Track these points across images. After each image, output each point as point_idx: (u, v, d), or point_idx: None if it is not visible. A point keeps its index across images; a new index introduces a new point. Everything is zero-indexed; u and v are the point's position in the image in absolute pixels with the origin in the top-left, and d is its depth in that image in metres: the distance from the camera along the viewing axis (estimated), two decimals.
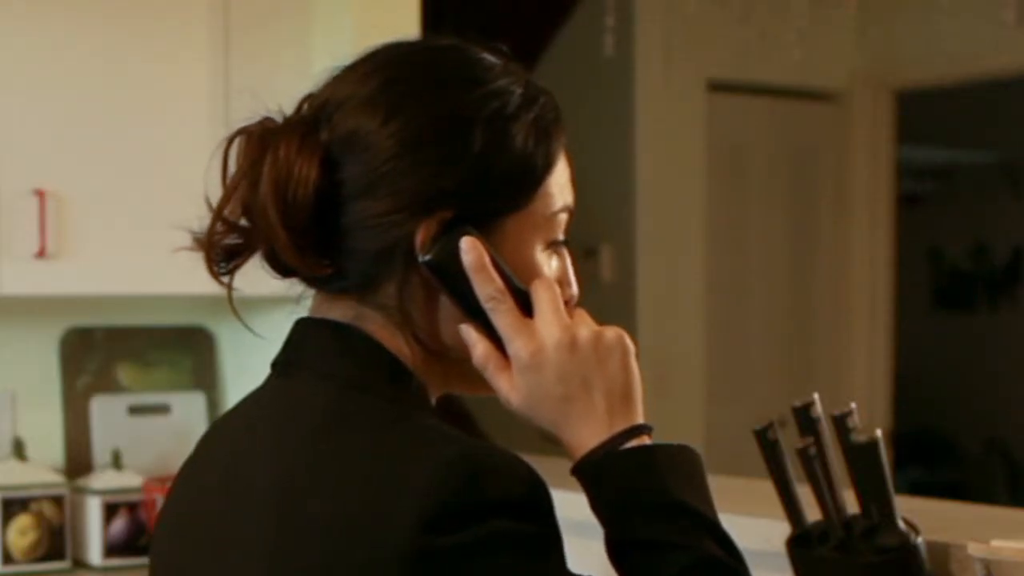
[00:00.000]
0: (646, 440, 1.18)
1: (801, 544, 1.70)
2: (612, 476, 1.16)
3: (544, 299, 1.15)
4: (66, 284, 3.00)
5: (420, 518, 1.01)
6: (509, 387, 1.15)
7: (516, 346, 1.14)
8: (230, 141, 1.15)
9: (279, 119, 1.16)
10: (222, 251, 1.17)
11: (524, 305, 1.16)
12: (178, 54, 3.09)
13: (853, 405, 1.61)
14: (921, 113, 5.88)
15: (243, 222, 1.15)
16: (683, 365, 5.06)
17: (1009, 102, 6.65)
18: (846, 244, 5.49)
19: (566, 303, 1.20)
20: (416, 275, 1.14)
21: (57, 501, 3.03)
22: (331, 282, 1.16)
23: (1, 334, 3.20)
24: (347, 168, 1.13)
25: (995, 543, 1.56)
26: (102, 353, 3.30)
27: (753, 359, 5.31)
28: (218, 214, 1.15)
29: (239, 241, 1.16)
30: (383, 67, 1.17)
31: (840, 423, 1.60)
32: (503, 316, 1.14)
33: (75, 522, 3.06)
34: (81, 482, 3.10)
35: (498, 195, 1.15)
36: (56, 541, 3.02)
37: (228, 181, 1.14)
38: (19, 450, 3.06)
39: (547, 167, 1.17)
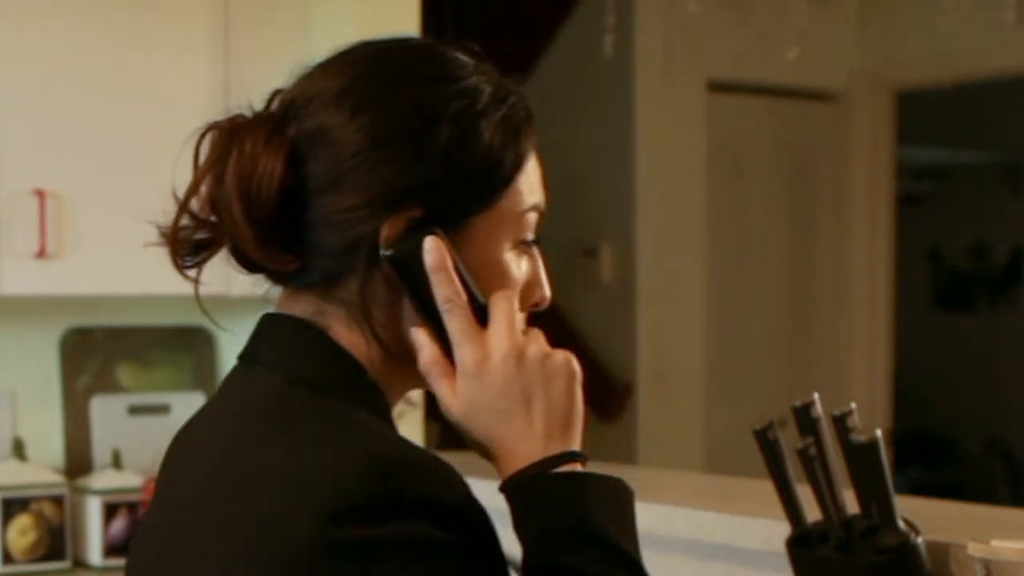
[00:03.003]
0: (579, 468, 1.14)
1: (801, 544, 1.70)
2: (538, 498, 1.13)
3: (500, 310, 1.14)
4: (66, 284, 3.00)
5: (326, 510, 1.01)
6: (450, 394, 1.14)
7: (463, 352, 1.13)
8: (202, 135, 1.16)
9: (250, 114, 1.16)
10: (189, 245, 1.18)
11: (481, 317, 1.15)
12: (178, 54, 3.09)
13: (853, 405, 1.61)
14: (921, 113, 5.87)
15: (211, 217, 1.15)
16: (683, 365, 5.06)
17: (1009, 102, 6.65)
18: (846, 244, 5.50)
19: (536, 304, 1.21)
20: (379, 272, 1.13)
21: (57, 501, 3.03)
22: (296, 278, 1.16)
23: (1, 334, 3.20)
24: (313, 163, 1.13)
25: (995, 543, 1.56)
26: (102, 353, 3.30)
27: (753, 359, 5.31)
28: (183, 207, 1.16)
29: (205, 236, 1.17)
30: (352, 64, 1.17)
31: (840, 423, 1.60)
32: (456, 320, 1.13)
33: (75, 522, 3.06)
34: (81, 482, 3.10)
35: (466, 193, 1.14)
36: (56, 541, 3.02)
37: (197, 173, 1.15)
38: (19, 450, 3.06)
39: (516, 166, 1.17)
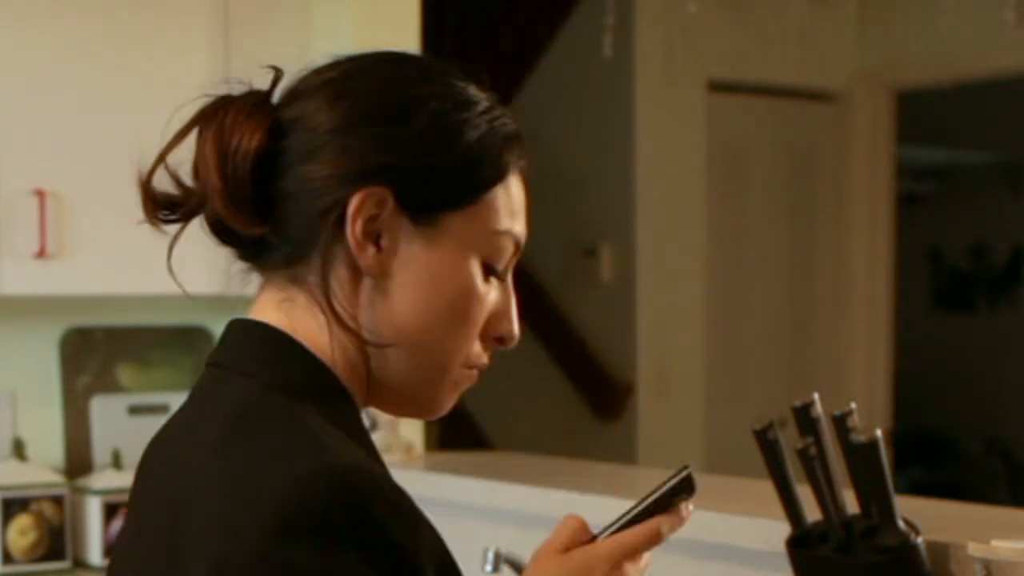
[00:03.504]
0: None
1: (801, 544, 1.70)
2: None
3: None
4: (66, 284, 3.00)
5: (268, 524, 1.01)
6: None
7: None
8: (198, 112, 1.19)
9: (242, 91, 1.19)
10: (162, 199, 1.19)
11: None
12: (178, 53, 3.09)
13: (853, 405, 1.61)
14: (921, 113, 5.87)
15: (190, 182, 1.17)
16: (683, 365, 5.06)
17: (1009, 102, 6.65)
18: (846, 244, 5.50)
19: (501, 340, 1.21)
20: (341, 249, 1.14)
21: (57, 501, 3.03)
22: (265, 252, 1.17)
23: (1, 334, 3.20)
24: (292, 136, 1.15)
25: (995, 543, 1.56)
26: (102, 353, 3.30)
27: (753, 359, 5.31)
28: (161, 157, 1.18)
29: (179, 195, 1.18)
30: (349, 61, 1.20)
31: (840, 423, 1.60)
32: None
33: (75, 522, 3.06)
34: (81, 482, 3.10)
35: (437, 185, 1.15)
36: (56, 541, 3.02)
37: (173, 137, 1.18)
38: (19, 450, 3.06)
39: (496, 176, 1.17)
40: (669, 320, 5.03)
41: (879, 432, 1.59)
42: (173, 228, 1.23)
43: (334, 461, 1.05)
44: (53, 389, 3.25)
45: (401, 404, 1.21)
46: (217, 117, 1.15)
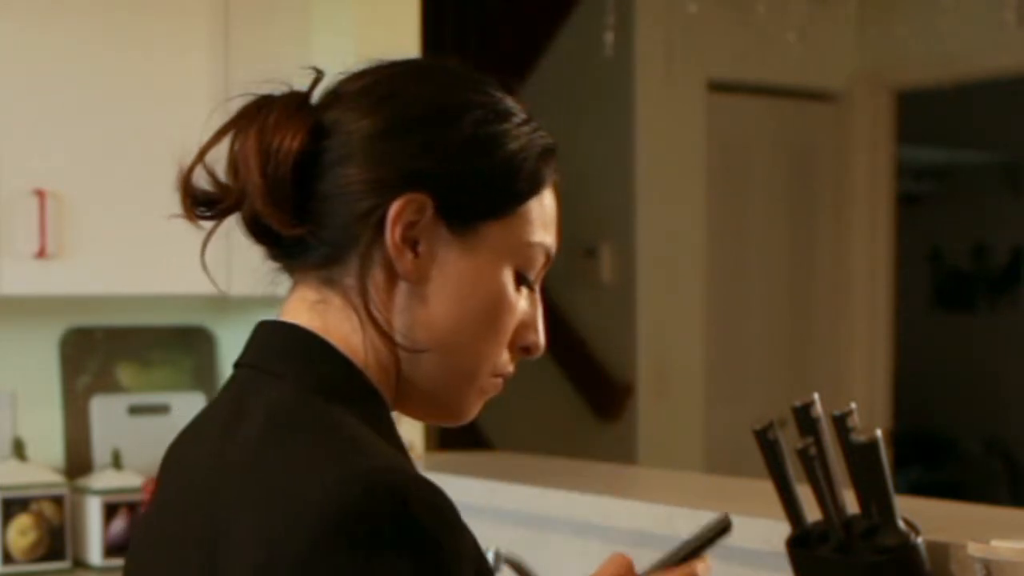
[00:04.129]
0: None
1: (801, 544, 1.70)
2: None
3: None
4: (66, 284, 3.00)
5: (316, 530, 1.01)
6: None
7: None
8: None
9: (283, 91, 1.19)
10: (201, 195, 1.18)
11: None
12: (178, 54, 3.09)
13: (853, 405, 1.61)
14: (921, 113, 5.87)
15: (228, 180, 1.17)
16: (683, 365, 5.06)
17: (1009, 102, 6.65)
18: (846, 244, 5.50)
19: (527, 349, 1.22)
20: (379, 253, 1.14)
21: (57, 501, 3.03)
22: (301, 253, 1.17)
23: (1, 334, 3.20)
24: (333, 138, 1.15)
25: (995, 543, 1.56)
26: (102, 353, 3.30)
27: (753, 359, 5.31)
28: (202, 154, 1.18)
29: (217, 192, 1.17)
30: (392, 65, 1.21)
31: (840, 423, 1.60)
32: None
33: (75, 522, 3.06)
34: (81, 482, 3.10)
35: (476, 194, 1.16)
36: (56, 541, 3.02)
37: (214, 133, 1.18)
38: (19, 450, 3.06)
39: (532, 189, 1.19)
40: (669, 320, 5.03)
41: (879, 432, 1.59)
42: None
43: (376, 464, 1.05)
44: (53, 389, 3.25)
45: (428, 408, 1.21)
46: (259, 116, 1.15)
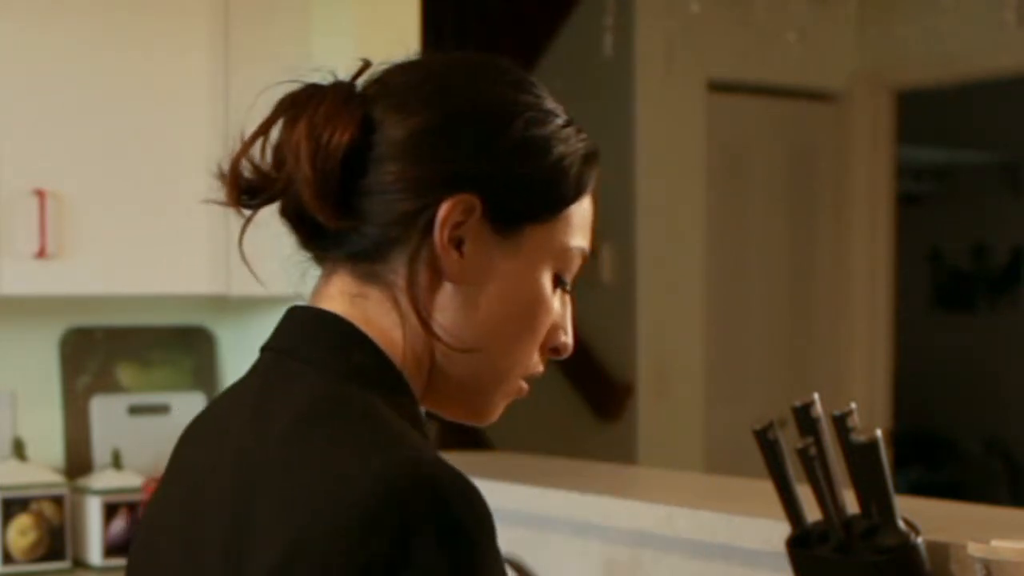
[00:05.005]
0: None
1: (801, 544, 1.70)
2: None
3: None
4: (66, 284, 3.00)
5: (353, 518, 1.01)
6: None
7: None
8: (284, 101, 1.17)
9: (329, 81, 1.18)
10: (245, 184, 1.17)
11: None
12: (178, 54, 3.09)
13: (853, 405, 1.61)
14: (921, 113, 5.87)
15: (271, 169, 1.16)
16: (683, 365, 5.06)
17: (1009, 102, 6.65)
18: (846, 244, 5.50)
19: (557, 350, 1.24)
20: (425, 251, 1.14)
21: (57, 501, 3.03)
22: (338, 245, 1.16)
23: (1, 334, 3.20)
24: (384, 131, 1.14)
25: (995, 543, 1.56)
26: (102, 353, 3.30)
27: (753, 359, 5.31)
28: (250, 142, 1.16)
29: (259, 180, 1.16)
30: (440, 61, 1.21)
31: (840, 423, 1.60)
32: None
33: (75, 522, 3.06)
34: (81, 482, 3.10)
35: (523, 197, 1.16)
36: (56, 541, 3.02)
37: (264, 121, 1.16)
38: (19, 450, 3.06)
39: (577, 192, 1.19)
40: (669, 320, 5.03)
41: (879, 432, 1.59)
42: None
43: (418, 457, 1.05)
44: (53, 389, 3.25)
45: (456, 407, 1.21)
46: (309, 107, 1.14)
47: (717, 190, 5.15)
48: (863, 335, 5.51)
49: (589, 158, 1.20)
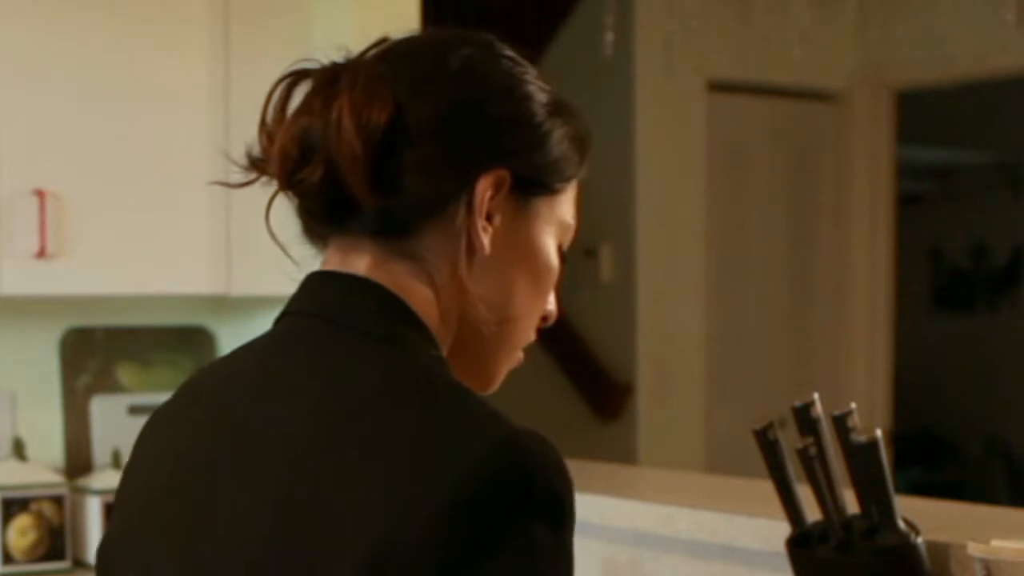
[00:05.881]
0: None
1: (801, 544, 1.70)
2: None
3: None
4: (66, 284, 3.00)
5: (457, 503, 1.00)
6: None
7: None
8: (298, 76, 1.18)
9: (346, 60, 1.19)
10: (292, 165, 1.16)
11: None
12: (178, 53, 3.09)
13: (853, 405, 1.61)
14: (921, 113, 5.88)
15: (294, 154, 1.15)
16: (683, 365, 5.06)
17: (1009, 102, 6.66)
18: (846, 244, 5.50)
19: (545, 319, 1.28)
20: (463, 225, 1.16)
21: (57, 501, 3.03)
22: (367, 222, 1.16)
23: (1, 334, 3.20)
24: (413, 110, 1.15)
25: (995, 543, 1.56)
26: (102, 353, 3.31)
27: (753, 359, 5.31)
28: (295, 121, 1.15)
29: (292, 166, 1.16)
30: (443, 36, 1.24)
31: (840, 423, 1.60)
32: None
33: (75, 522, 3.06)
34: (81, 482, 3.10)
35: (542, 171, 1.20)
36: (56, 541, 3.02)
37: (297, 108, 1.16)
38: (19, 450, 3.06)
39: (579, 170, 1.24)
40: (669, 320, 5.03)
41: (879, 432, 1.59)
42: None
43: (511, 429, 1.06)
44: (53, 389, 3.25)
45: (468, 377, 1.19)
46: (345, 87, 1.15)
47: (717, 190, 5.15)
48: (863, 335, 5.51)
49: (585, 139, 1.25)
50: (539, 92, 1.21)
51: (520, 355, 1.26)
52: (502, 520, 1.01)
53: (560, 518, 1.04)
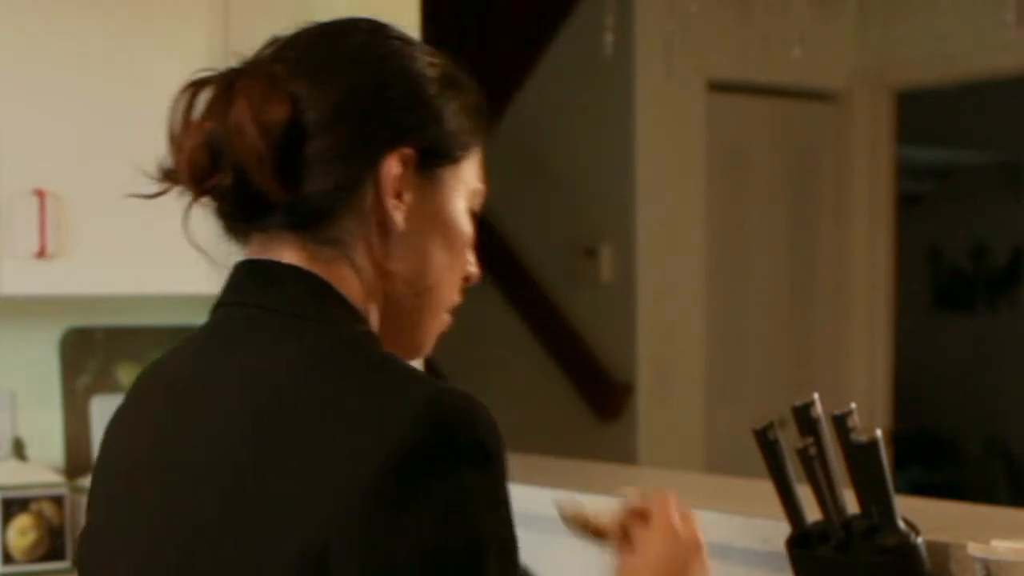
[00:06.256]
0: None
1: (801, 544, 1.70)
2: None
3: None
4: (66, 284, 3.00)
5: (394, 453, 1.07)
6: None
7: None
8: (198, 85, 1.25)
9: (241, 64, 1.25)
10: (201, 173, 1.21)
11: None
12: (177, 53, 3.09)
13: (853, 405, 1.61)
14: (921, 113, 5.87)
15: (203, 162, 1.21)
16: (683, 365, 5.06)
17: (1009, 102, 6.65)
18: (846, 244, 5.50)
19: (467, 279, 1.32)
20: (375, 206, 1.21)
21: (57, 501, 3.03)
22: (281, 215, 1.21)
23: (1, 334, 3.20)
24: (313, 102, 1.20)
25: (995, 543, 1.56)
26: (102, 353, 3.30)
27: (753, 359, 5.31)
28: (199, 130, 1.20)
29: (202, 174, 1.21)
30: (331, 27, 1.29)
31: (840, 423, 1.60)
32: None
33: (75, 522, 3.06)
34: (81, 482, 3.10)
35: (444, 142, 1.25)
36: (56, 541, 3.02)
37: (200, 116, 1.21)
38: (19, 450, 3.06)
39: (476, 137, 1.29)
40: (669, 320, 5.03)
41: (879, 432, 1.59)
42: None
43: (439, 388, 1.12)
44: (53, 389, 3.25)
45: (398, 348, 1.26)
46: (242, 89, 1.19)
47: (717, 190, 5.15)
48: (863, 335, 5.51)
49: (481, 105, 1.30)
50: (430, 68, 1.25)
51: (446, 318, 1.31)
52: (431, 472, 1.07)
53: (485, 463, 1.11)
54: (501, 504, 1.14)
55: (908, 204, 6.56)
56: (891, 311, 5.59)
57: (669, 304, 5.02)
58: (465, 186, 1.28)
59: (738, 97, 5.23)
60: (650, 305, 4.98)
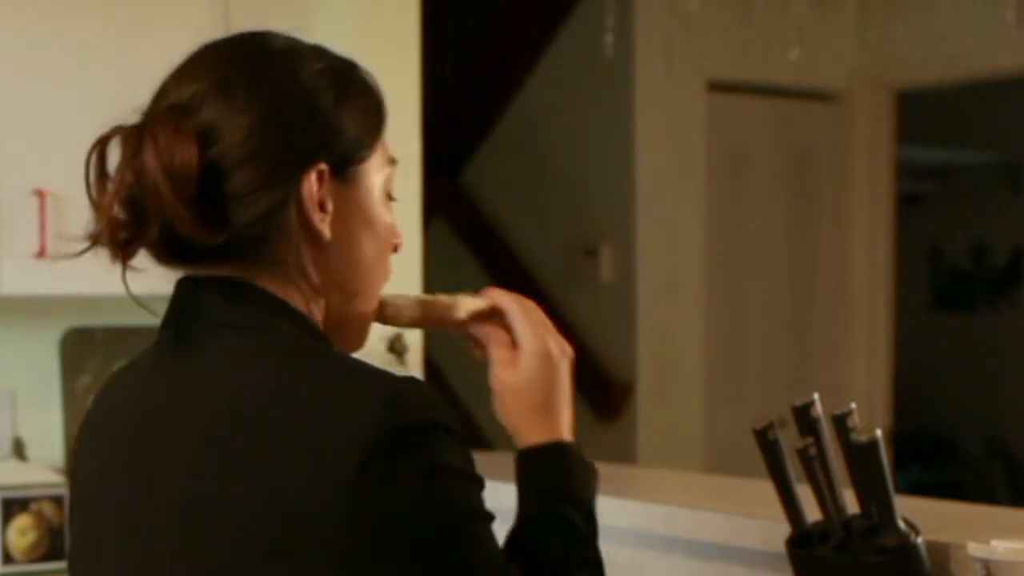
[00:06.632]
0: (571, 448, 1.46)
1: (801, 544, 1.70)
2: (542, 466, 1.49)
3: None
4: (66, 284, 3.00)
5: (363, 445, 1.13)
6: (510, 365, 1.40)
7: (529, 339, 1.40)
8: (103, 142, 1.29)
9: (140, 117, 1.27)
10: (126, 235, 1.26)
11: None
12: (178, 54, 3.09)
13: (853, 405, 1.61)
14: (921, 113, 5.87)
15: (125, 216, 1.25)
16: (683, 365, 5.06)
17: (1009, 102, 6.65)
18: (846, 244, 5.50)
19: (395, 247, 1.37)
20: (299, 224, 1.25)
21: (57, 501, 3.03)
22: (219, 252, 1.23)
23: (1, 334, 3.20)
24: (221, 143, 1.22)
25: (995, 543, 1.56)
26: (102, 353, 3.31)
27: (753, 359, 5.31)
28: (117, 192, 1.25)
29: (126, 235, 1.25)
30: (223, 55, 1.31)
31: (840, 423, 1.60)
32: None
33: None
34: None
35: (353, 147, 1.29)
36: (56, 541, 3.02)
37: (114, 175, 1.25)
38: (19, 450, 3.06)
39: (380, 132, 1.32)
40: (669, 320, 5.03)
41: (879, 432, 1.59)
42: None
43: (392, 380, 1.18)
44: (53, 389, 3.25)
45: (343, 343, 1.32)
46: (149, 140, 1.22)
47: (717, 190, 5.15)
48: (863, 335, 5.51)
49: (379, 102, 1.33)
50: (319, 77, 1.28)
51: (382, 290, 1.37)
52: (404, 454, 1.14)
53: (447, 437, 1.18)
54: (470, 470, 1.22)
55: (908, 204, 6.56)
56: (891, 311, 5.59)
57: (669, 304, 5.02)
58: (379, 172, 1.32)
59: (738, 97, 5.23)
60: (650, 305, 4.98)
